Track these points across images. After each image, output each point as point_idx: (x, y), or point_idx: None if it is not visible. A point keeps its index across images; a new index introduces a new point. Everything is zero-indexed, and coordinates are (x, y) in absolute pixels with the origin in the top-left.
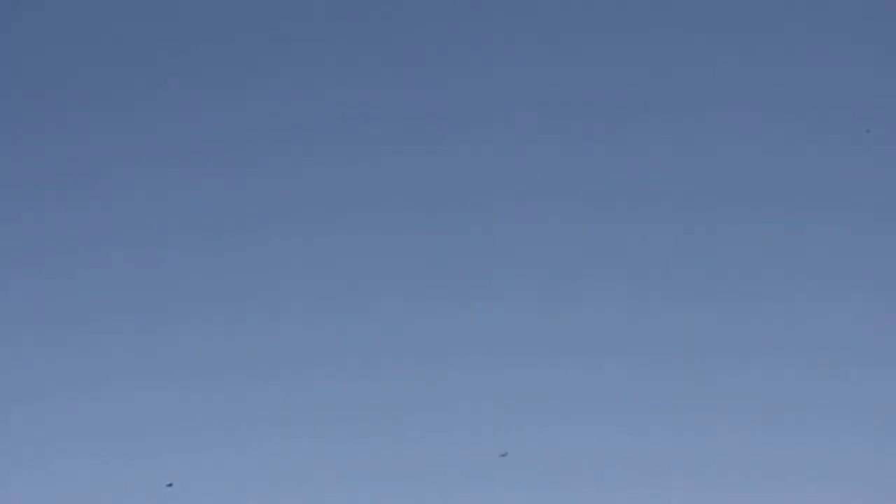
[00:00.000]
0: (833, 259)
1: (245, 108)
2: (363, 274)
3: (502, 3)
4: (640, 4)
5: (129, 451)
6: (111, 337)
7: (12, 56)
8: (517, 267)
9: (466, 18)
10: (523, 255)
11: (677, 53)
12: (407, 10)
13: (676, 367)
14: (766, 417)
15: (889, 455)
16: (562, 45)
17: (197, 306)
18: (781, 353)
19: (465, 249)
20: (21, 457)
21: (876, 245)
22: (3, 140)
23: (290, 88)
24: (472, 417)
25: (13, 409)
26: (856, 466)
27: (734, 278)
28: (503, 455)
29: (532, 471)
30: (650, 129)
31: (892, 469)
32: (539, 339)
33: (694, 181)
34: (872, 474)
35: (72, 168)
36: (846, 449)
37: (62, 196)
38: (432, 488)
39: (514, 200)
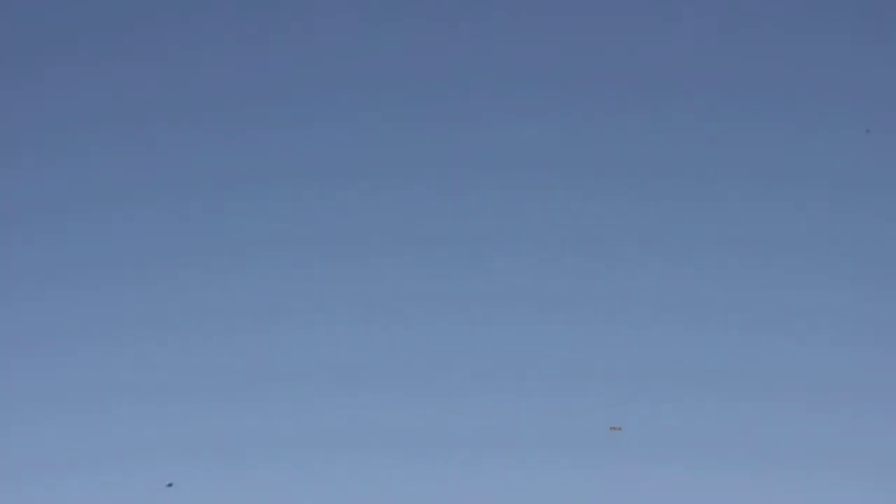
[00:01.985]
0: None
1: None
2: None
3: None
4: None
5: (130, 451)
6: (110, 337)
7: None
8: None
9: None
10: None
11: (677, 52)
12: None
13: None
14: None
15: None
16: (562, 24)
17: (198, 314)
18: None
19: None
20: (22, 457)
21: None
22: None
23: (291, 87)
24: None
25: (14, 414)
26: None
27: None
28: (615, 429)
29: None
30: (652, 118)
31: None
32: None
33: (693, 182)
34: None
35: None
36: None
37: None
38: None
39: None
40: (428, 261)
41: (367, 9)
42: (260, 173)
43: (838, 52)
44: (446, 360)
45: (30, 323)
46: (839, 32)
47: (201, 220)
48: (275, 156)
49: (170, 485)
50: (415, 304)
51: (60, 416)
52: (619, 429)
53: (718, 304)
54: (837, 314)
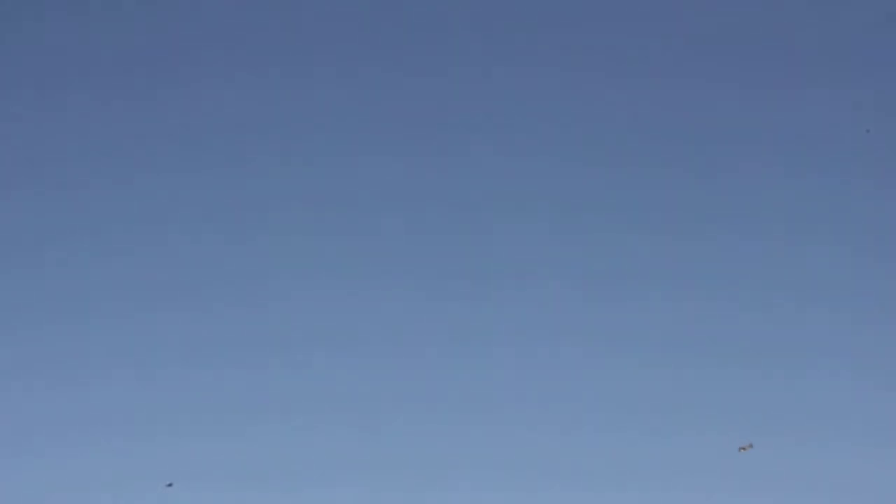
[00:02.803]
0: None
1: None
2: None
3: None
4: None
5: (129, 451)
6: (110, 336)
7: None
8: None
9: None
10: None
11: (677, 51)
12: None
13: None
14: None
15: None
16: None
17: (197, 301)
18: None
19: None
20: (21, 459)
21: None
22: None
23: (291, 85)
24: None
25: (14, 407)
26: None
27: (740, 285)
28: (745, 448)
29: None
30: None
31: None
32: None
33: (692, 193)
34: None
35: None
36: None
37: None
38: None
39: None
40: (437, 294)
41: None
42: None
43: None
44: (453, 388)
45: (26, 310)
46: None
47: (203, 200)
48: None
49: (170, 485)
50: (425, 334)
51: (61, 414)
52: (750, 447)
53: (726, 339)
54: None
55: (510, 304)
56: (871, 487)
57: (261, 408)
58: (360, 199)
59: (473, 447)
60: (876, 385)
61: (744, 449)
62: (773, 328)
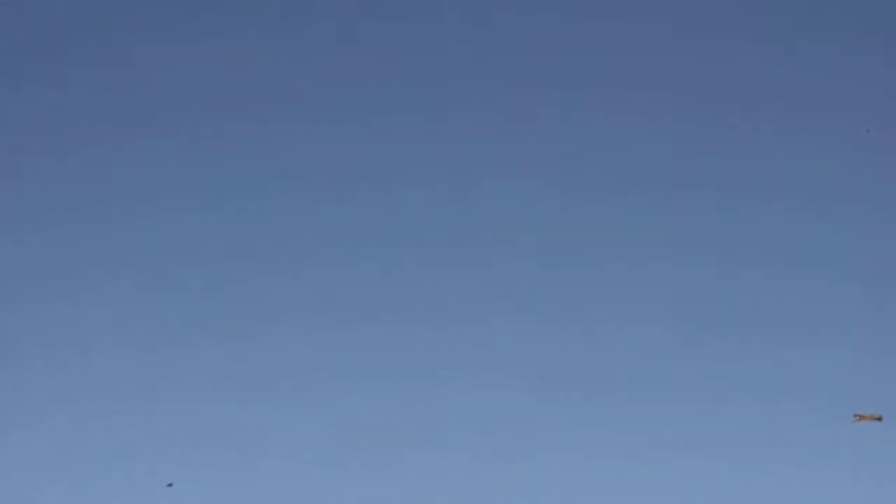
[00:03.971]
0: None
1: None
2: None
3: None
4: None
5: (130, 451)
6: (110, 337)
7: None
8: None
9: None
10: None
11: (678, 48)
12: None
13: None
14: None
15: None
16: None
17: (200, 316)
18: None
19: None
20: (22, 457)
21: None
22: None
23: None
24: None
25: (14, 414)
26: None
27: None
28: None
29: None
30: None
31: None
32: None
33: (691, 177)
34: None
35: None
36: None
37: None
38: None
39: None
40: (431, 262)
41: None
42: (260, 174)
43: (839, 54)
44: (448, 357)
45: (31, 325)
46: (840, 33)
47: (202, 220)
48: (276, 156)
49: (170, 485)
50: (417, 304)
51: (60, 415)
52: (878, 418)
53: (719, 308)
54: (836, 318)
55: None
56: None
57: (259, 376)
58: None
59: None
60: None
61: (862, 418)
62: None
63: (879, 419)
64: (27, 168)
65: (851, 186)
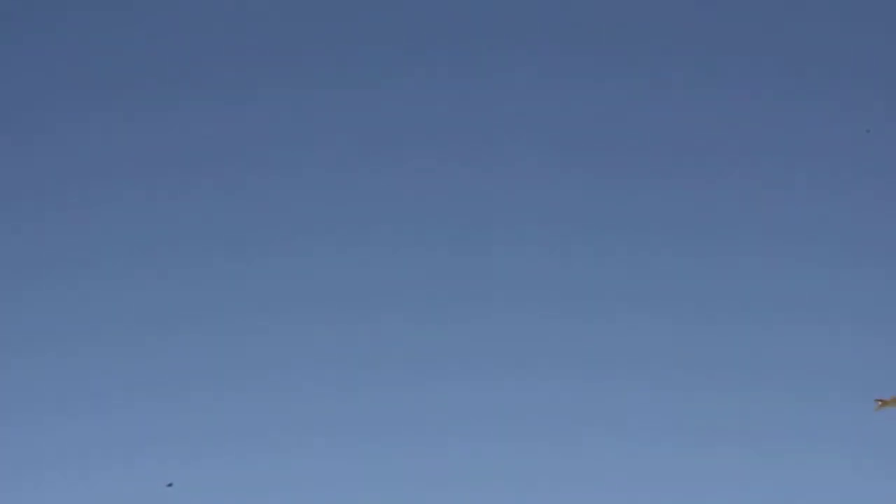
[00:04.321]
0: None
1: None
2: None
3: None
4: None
5: (129, 451)
6: (109, 336)
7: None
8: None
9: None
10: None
11: (676, 48)
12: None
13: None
14: None
15: None
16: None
17: (197, 314)
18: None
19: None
20: (23, 457)
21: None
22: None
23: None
24: None
25: (14, 414)
26: None
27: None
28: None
29: None
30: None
31: None
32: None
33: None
34: None
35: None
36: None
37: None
38: None
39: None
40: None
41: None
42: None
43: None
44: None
45: (28, 322)
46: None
47: (199, 216)
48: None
49: (170, 485)
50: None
51: (60, 415)
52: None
53: (719, 296)
54: (836, 309)
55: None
56: None
57: (257, 372)
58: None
59: None
60: None
61: (885, 403)
62: None
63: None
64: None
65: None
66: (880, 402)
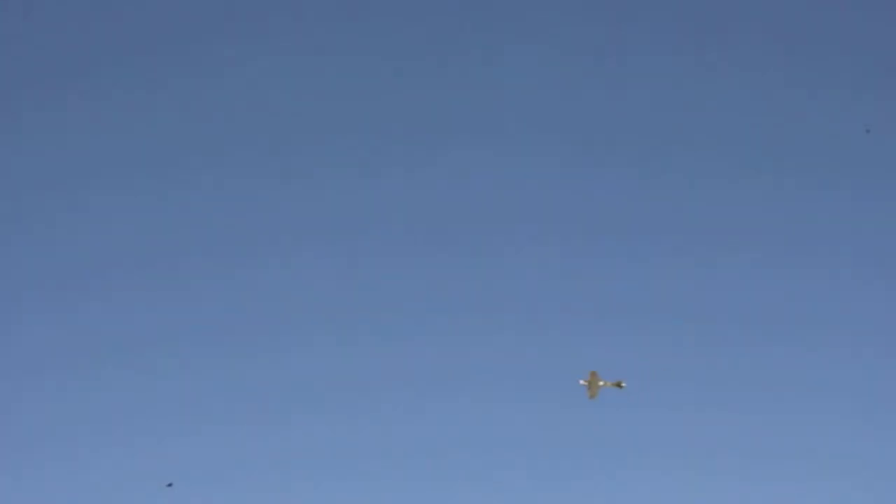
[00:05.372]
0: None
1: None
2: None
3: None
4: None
5: (130, 450)
6: (113, 346)
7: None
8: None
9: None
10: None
11: (677, 48)
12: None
13: None
14: None
15: None
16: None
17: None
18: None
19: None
20: (23, 457)
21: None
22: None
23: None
24: None
25: (15, 415)
26: None
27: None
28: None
29: None
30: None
31: None
32: None
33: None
34: None
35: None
36: None
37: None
38: None
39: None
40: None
41: None
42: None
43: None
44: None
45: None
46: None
47: (198, 213)
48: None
49: (170, 485)
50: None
51: (61, 415)
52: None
53: (722, 307)
54: (838, 316)
55: None
56: None
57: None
58: None
59: None
60: None
61: (591, 385)
62: None
63: (620, 386)
64: None
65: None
66: (587, 385)
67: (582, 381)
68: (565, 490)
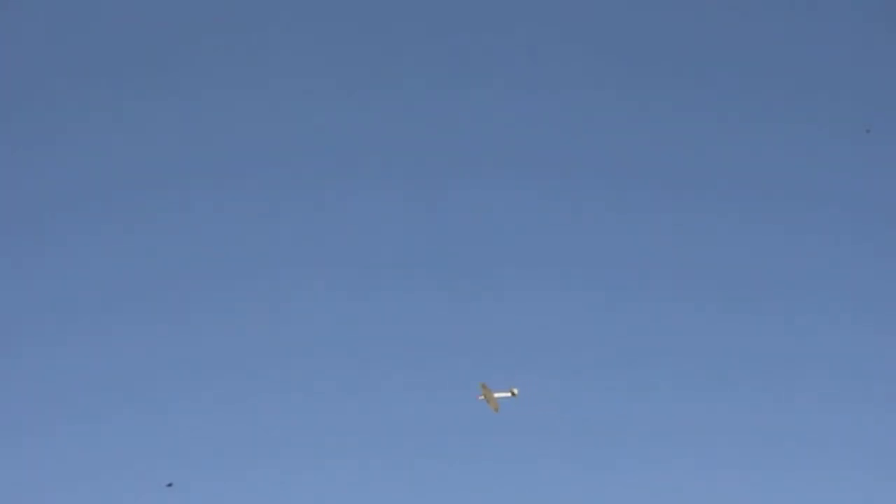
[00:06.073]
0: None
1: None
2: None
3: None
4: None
5: (129, 451)
6: (112, 345)
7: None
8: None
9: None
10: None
11: (677, 49)
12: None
13: None
14: None
15: None
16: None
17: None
18: None
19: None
20: (24, 457)
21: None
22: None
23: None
24: None
25: (16, 417)
26: None
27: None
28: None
29: None
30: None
31: None
32: None
33: (691, 181)
34: None
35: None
36: None
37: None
38: None
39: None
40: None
41: None
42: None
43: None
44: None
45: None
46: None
47: (199, 221)
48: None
49: (170, 485)
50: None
51: (61, 417)
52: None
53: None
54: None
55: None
56: None
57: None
58: None
59: None
60: None
61: (486, 394)
62: None
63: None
64: None
65: None
66: (486, 400)
67: (479, 397)
68: (565, 488)
